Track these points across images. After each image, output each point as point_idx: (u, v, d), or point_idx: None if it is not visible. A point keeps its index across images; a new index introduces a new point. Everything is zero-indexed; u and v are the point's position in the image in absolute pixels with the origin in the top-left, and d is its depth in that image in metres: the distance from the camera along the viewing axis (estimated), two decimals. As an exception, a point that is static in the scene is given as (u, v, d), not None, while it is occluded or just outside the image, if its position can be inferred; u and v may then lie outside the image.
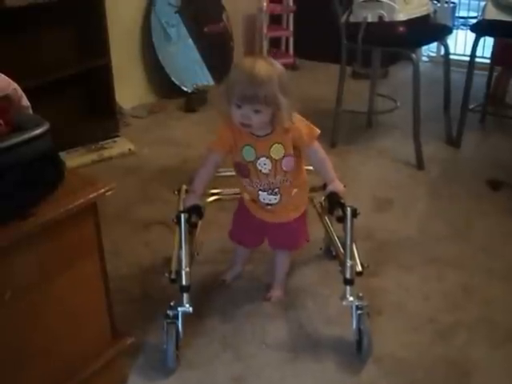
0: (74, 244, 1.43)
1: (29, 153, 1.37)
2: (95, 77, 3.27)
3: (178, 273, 1.69)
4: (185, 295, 1.67)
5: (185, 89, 3.91)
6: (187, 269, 1.68)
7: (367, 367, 1.73)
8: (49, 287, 1.39)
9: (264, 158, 1.72)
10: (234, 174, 1.85)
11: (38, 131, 1.40)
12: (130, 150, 3.12)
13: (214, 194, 2.12)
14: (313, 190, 2.07)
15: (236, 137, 1.72)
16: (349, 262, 1.70)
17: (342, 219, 1.71)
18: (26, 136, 1.38)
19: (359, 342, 1.73)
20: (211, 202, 2.12)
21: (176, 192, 2.02)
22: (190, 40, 4.04)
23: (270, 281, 2.04)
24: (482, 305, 2.00)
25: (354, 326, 1.72)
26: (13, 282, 1.31)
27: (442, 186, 2.79)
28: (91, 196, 1.40)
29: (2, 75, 1.51)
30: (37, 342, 1.41)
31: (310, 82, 4.17)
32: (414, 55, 2.89)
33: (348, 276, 1.70)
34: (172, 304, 1.69)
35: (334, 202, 1.73)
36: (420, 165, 2.95)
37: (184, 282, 1.67)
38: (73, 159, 2.90)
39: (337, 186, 1.76)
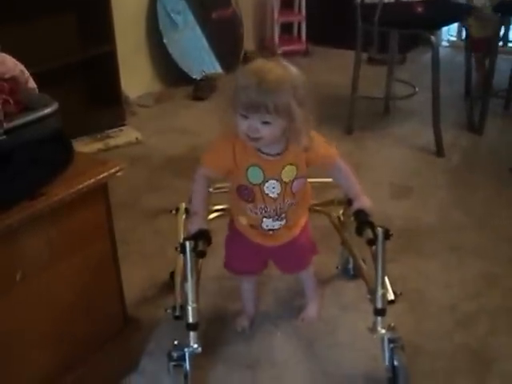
0: (85, 225, 1.48)
1: (38, 132, 1.44)
2: (100, 64, 3.32)
3: (184, 308, 1.56)
4: (192, 334, 1.54)
5: (193, 76, 3.96)
6: (194, 304, 1.54)
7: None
8: (60, 268, 1.45)
9: (273, 181, 1.57)
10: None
11: (47, 111, 1.46)
12: (136, 138, 3.18)
13: (217, 211, 2.00)
14: (330, 203, 2.04)
15: (239, 157, 1.55)
16: (380, 291, 1.59)
17: (372, 241, 1.56)
18: (36, 115, 1.44)
19: (393, 380, 1.60)
20: (213, 219, 1.98)
21: (174, 211, 1.93)
22: (198, 27, 4.09)
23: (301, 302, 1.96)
24: (505, 293, 2.04)
25: (387, 362, 1.60)
26: (23, 262, 1.37)
27: (463, 173, 2.84)
28: (102, 176, 1.46)
29: (9, 56, 1.57)
30: (48, 324, 1.47)
31: (324, 69, 4.21)
32: (433, 37, 2.93)
33: (379, 306, 1.59)
34: (176, 343, 1.56)
35: (362, 222, 1.59)
36: (440, 152, 2.98)
37: (191, 320, 1.54)
38: (78, 148, 2.90)
39: (363, 201, 1.63)
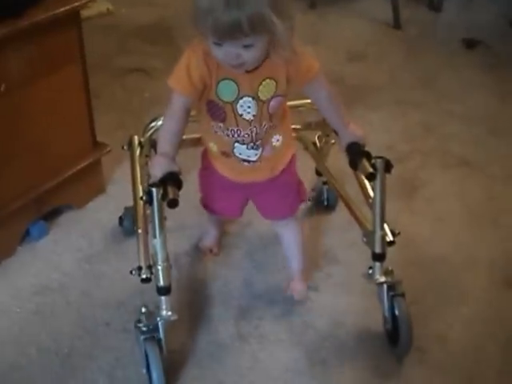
0: (60, 47, 1.80)
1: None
2: None
3: (153, 269, 1.39)
4: (164, 299, 1.38)
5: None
6: (165, 263, 1.38)
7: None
8: (39, 86, 1.76)
9: (249, 99, 1.39)
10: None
11: None
12: (108, 9, 3.43)
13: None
14: (307, 127, 1.88)
15: (212, 68, 1.35)
16: (379, 233, 1.49)
17: (372, 176, 1.44)
18: None
19: (393, 333, 1.52)
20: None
21: (125, 147, 1.77)
22: None
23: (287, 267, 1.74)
24: (440, 138, 2.42)
25: (386, 312, 1.51)
26: (7, 76, 1.67)
27: (417, 43, 3.17)
28: (76, 5, 1.78)
29: None
30: (26, 138, 1.79)
31: None
32: None
33: (379, 250, 1.49)
34: (144, 310, 1.40)
35: (357, 154, 1.46)
36: (397, 24, 3.30)
37: (163, 282, 1.37)
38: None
39: (354, 132, 1.49)
